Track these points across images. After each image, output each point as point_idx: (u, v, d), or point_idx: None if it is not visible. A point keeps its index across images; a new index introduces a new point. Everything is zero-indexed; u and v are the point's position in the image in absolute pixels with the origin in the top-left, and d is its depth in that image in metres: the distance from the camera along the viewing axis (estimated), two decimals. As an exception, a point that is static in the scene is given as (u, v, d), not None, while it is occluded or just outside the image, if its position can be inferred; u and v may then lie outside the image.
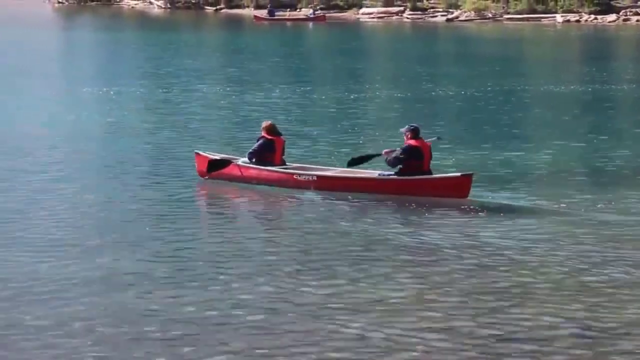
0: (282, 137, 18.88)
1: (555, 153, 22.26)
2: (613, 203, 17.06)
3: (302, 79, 39.09)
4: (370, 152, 18.93)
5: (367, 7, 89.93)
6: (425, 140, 17.79)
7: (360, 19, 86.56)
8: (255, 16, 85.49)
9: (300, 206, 17.23)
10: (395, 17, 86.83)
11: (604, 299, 12.05)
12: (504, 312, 11.54)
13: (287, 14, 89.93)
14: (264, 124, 18.89)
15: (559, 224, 15.69)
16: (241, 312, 11.45)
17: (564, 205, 16.90)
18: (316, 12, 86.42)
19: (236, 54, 53.42)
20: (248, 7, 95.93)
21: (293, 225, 15.90)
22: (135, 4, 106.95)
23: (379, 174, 17.99)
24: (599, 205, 16.84)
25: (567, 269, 13.28)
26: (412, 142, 17.56)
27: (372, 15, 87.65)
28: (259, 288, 12.36)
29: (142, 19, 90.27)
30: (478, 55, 53.32)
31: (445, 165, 19.85)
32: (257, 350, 10.35)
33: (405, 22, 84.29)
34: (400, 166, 17.58)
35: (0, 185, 18.42)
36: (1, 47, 54.05)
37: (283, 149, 18.86)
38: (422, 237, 15.02)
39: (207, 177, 18.75)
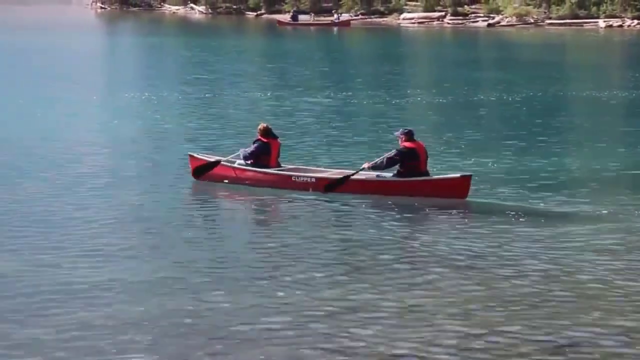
0: (277, 139, 19.07)
1: (591, 158, 22.11)
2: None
3: (339, 84, 39.06)
4: (346, 172, 18.52)
5: (408, 12, 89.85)
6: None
7: (401, 24, 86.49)
8: (278, 21, 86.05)
9: (301, 208, 17.22)
10: (436, 23, 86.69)
11: (613, 303, 12.06)
12: (508, 316, 11.53)
13: (311, 18, 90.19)
14: (260, 126, 19.05)
15: (570, 228, 15.67)
16: (277, 319, 11.49)
17: (594, 210, 16.81)
18: (341, 17, 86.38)
19: (276, 58, 53.52)
20: (288, 12, 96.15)
21: (300, 229, 15.75)
22: (177, 9, 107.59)
23: (377, 176, 18.10)
24: (636, 213, 16.72)
25: (569, 272, 13.30)
26: (407, 143, 17.79)
27: (412, 21, 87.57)
28: (286, 294, 12.40)
29: (183, 24, 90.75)
30: (519, 60, 53.11)
31: (478, 170, 19.88)
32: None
33: (446, 27, 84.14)
34: (399, 168, 17.79)
35: (39, 189, 18.51)
36: (45, 52, 54.51)
37: (278, 151, 19.03)
38: (423, 239, 15.16)
39: (200, 180, 18.96)
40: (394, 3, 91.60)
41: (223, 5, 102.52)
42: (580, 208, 17.07)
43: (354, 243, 14.85)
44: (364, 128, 27.47)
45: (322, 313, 11.61)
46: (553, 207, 17.21)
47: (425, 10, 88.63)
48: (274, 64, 49.94)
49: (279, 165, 18.92)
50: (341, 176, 18.16)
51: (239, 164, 18.86)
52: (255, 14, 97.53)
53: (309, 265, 13.60)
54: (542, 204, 17.33)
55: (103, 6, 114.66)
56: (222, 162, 18.97)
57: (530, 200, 17.64)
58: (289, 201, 17.65)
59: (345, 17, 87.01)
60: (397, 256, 14.06)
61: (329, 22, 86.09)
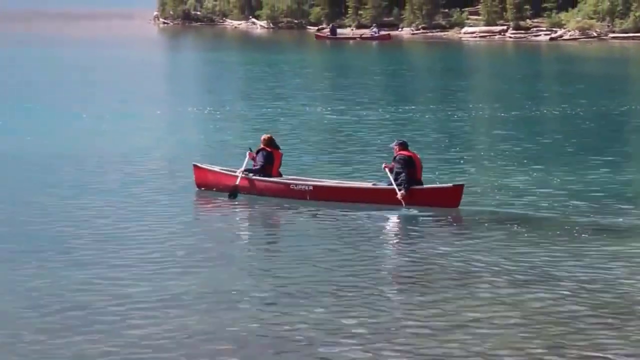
0: (280, 150, 19.67)
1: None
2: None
3: (399, 98, 39.09)
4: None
5: (469, 26, 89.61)
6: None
7: (462, 39, 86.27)
8: (316, 35, 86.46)
9: (306, 217, 17.69)
10: (497, 37, 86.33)
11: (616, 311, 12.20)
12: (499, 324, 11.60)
13: (351, 32, 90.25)
14: (264, 136, 19.67)
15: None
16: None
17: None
18: (380, 31, 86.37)
19: (335, 72, 53.63)
20: (350, 26, 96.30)
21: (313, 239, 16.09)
22: (239, 24, 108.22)
23: (373, 184, 18.71)
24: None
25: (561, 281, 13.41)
26: (403, 152, 18.39)
27: (474, 35, 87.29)
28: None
29: (244, 39, 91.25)
30: (582, 74, 52.70)
31: (538, 184, 19.78)
32: None
33: (508, 41, 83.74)
34: (394, 177, 18.20)
35: (100, 203, 18.70)
36: (109, 67, 55.16)
37: (280, 161, 19.60)
38: (416, 248, 15.54)
39: (203, 189, 19.49)
40: (455, 17, 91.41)
41: (284, 20, 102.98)
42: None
43: (358, 254, 15.10)
44: (427, 141, 27.44)
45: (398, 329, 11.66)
46: (621, 222, 17.08)
47: (487, 25, 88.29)
48: (334, 78, 50.06)
49: (280, 175, 19.50)
50: (337, 185, 18.82)
51: (244, 174, 19.25)
52: (316, 28, 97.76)
53: (368, 280, 13.65)
54: (603, 220, 17.20)
55: (165, 21, 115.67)
56: (227, 173, 19.44)
57: (589, 216, 17.52)
58: (293, 210, 18.11)
59: (384, 31, 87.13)
60: (395, 268, 14.31)
61: (368, 35, 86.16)
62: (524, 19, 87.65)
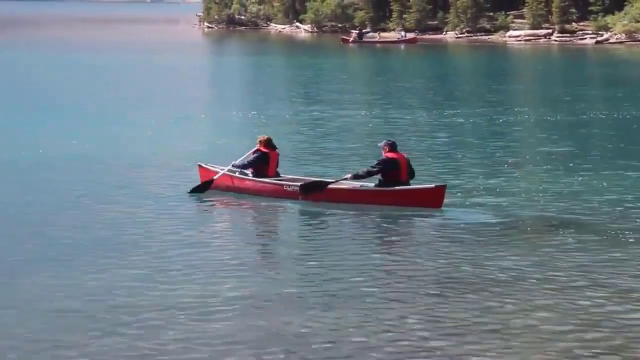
0: (276, 150, 19.91)
1: None
2: None
3: (441, 102, 39.01)
4: (325, 179, 19.39)
5: (514, 30, 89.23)
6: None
7: (507, 42, 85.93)
8: (342, 38, 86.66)
9: (307, 219, 17.97)
10: (542, 40, 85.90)
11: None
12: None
13: (378, 36, 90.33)
14: (261, 137, 20.03)
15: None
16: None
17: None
18: (408, 34, 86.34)
19: (381, 77, 53.64)
20: (393, 30, 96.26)
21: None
22: (283, 28, 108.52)
23: (361, 185, 18.83)
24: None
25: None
26: (389, 154, 18.57)
27: (519, 38, 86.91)
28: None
29: (288, 43, 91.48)
30: (628, 78, 52.31)
31: (582, 187, 19.68)
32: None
33: (553, 44, 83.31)
34: (380, 177, 18.46)
35: (144, 207, 18.85)
36: (153, 71, 55.53)
37: (277, 161, 19.89)
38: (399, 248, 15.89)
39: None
40: (500, 21, 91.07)
41: (328, 24, 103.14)
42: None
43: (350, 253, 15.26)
44: (470, 145, 27.37)
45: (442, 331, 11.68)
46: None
47: (532, 28, 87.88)
48: (377, 82, 50.08)
49: (277, 175, 19.77)
50: (318, 181, 18.95)
51: (239, 174, 19.70)
52: (356, 32, 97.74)
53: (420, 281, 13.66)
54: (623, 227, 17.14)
55: (210, 25, 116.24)
56: (225, 173, 19.71)
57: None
58: (284, 210, 18.43)
59: (410, 34, 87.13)
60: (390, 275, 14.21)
61: (395, 39, 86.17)
62: (569, 22, 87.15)
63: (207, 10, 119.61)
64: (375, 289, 13.38)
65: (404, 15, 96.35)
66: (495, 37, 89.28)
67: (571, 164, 23.55)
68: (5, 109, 34.95)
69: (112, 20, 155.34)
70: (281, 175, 19.88)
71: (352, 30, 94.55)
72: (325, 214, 18.05)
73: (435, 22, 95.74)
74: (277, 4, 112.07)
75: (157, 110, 35.15)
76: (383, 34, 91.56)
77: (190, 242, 16.07)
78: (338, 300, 12.89)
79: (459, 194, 19.57)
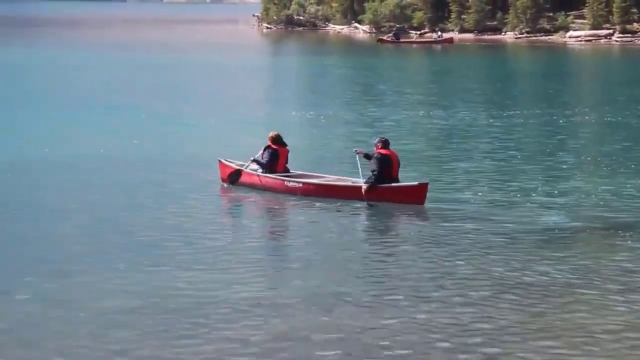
0: (286, 147, 20.63)
1: None
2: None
3: (499, 102, 38.84)
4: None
5: (574, 30, 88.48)
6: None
7: (567, 43, 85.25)
8: (379, 39, 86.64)
9: (302, 213, 18.61)
10: (603, 41, 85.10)
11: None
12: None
13: (414, 37, 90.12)
14: (271, 134, 20.69)
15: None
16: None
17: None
18: (443, 35, 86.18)
19: (436, 78, 53.52)
20: (453, 30, 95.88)
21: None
22: (341, 29, 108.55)
23: (352, 182, 19.64)
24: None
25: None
26: (382, 151, 19.29)
27: (579, 39, 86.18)
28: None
29: (346, 43, 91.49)
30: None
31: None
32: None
33: (614, 45, 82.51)
34: (372, 174, 19.13)
35: (192, 207, 19.04)
36: (212, 71, 55.87)
37: (286, 158, 20.60)
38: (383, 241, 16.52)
39: (227, 185, 20.65)
40: (560, 21, 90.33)
41: (386, 24, 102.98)
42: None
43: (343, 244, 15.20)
44: (531, 147, 27.27)
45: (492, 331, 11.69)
46: None
47: (593, 28, 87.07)
48: (432, 82, 49.98)
49: (287, 171, 20.55)
50: (319, 182, 19.78)
51: (250, 169, 20.50)
52: (418, 33, 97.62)
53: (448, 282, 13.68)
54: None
55: (269, 26, 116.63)
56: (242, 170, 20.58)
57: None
58: (287, 205, 19.16)
59: (447, 35, 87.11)
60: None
61: (432, 40, 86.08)
62: (630, 23, 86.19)
63: (266, 10, 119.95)
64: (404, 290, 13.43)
65: (463, 16, 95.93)
66: (555, 38, 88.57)
67: (633, 165, 23.38)
68: (67, 108, 35.39)
69: (172, 21, 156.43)
70: (291, 171, 20.61)
71: (412, 32, 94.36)
72: (323, 210, 18.60)
73: (495, 23, 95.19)
74: (336, 5, 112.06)
75: (216, 110, 35.39)
76: (419, 36, 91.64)
77: (222, 241, 16.30)
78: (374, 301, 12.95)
79: (528, 196, 19.54)
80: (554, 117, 33.70)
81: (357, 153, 19.99)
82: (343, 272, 14.41)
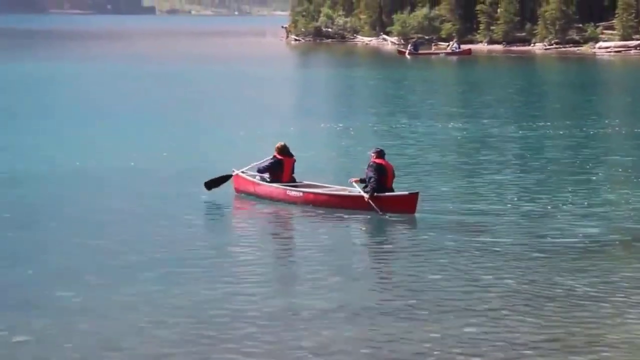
0: (292, 157, 21.02)
1: None
2: None
3: (527, 114, 38.75)
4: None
5: (604, 41, 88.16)
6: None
7: (597, 54, 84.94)
8: (399, 50, 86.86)
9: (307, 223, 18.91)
10: (633, 51, 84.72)
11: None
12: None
13: (433, 48, 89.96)
14: (278, 144, 21.07)
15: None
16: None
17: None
18: (461, 46, 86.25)
19: (467, 89, 53.45)
20: (481, 42, 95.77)
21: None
22: (370, 41, 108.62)
23: (349, 192, 19.95)
24: None
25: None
26: (377, 160, 19.70)
27: (608, 49, 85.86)
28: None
29: (374, 55, 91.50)
30: None
31: None
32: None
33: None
34: (367, 183, 19.49)
35: (224, 221, 19.15)
36: (241, 83, 56.05)
37: (292, 167, 20.97)
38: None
39: (238, 193, 21.16)
40: (589, 32, 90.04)
41: (415, 36, 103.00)
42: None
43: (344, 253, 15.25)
44: (561, 159, 27.20)
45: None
46: None
47: (622, 39, 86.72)
48: (462, 94, 49.92)
49: (293, 181, 20.90)
50: (317, 191, 20.11)
51: (257, 179, 20.96)
52: (447, 44, 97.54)
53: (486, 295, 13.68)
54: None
55: (297, 38, 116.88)
56: (240, 176, 21.17)
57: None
58: (291, 215, 19.42)
59: (465, 46, 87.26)
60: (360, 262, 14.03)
61: (449, 51, 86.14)
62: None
63: (294, 22, 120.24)
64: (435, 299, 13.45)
65: (492, 27, 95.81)
66: (585, 49, 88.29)
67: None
68: (96, 120, 35.61)
69: (201, 33, 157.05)
70: (297, 180, 20.90)
71: (440, 43, 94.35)
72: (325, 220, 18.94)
73: (523, 34, 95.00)
74: (364, 17, 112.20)
75: (244, 122, 35.50)
76: (437, 47, 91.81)
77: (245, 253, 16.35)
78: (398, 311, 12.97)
79: (556, 207, 19.50)
80: (583, 129, 33.57)
81: (354, 182, 20.06)
82: (361, 283, 14.43)
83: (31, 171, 24.33)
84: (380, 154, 19.89)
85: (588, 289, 14.02)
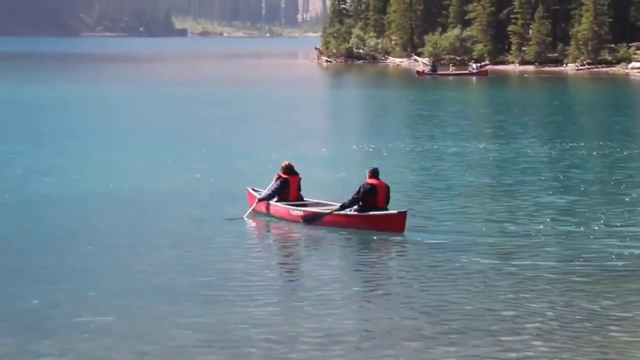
0: (297, 176, 21.44)
1: None
2: None
3: (564, 134, 38.64)
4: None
5: (636, 61, 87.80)
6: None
7: (630, 74, 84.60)
8: (417, 71, 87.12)
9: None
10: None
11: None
12: None
13: (451, 69, 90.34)
14: (283, 163, 21.57)
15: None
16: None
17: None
18: (479, 67, 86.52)
19: (497, 109, 53.35)
20: (513, 62, 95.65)
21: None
22: (401, 62, 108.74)
23: (348, 211, 20.07)
24: None
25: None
26: (370, 180, 19.89)
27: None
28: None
29: (405, 76, 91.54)
30: None
31: None
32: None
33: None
34: (360, 203, 19.76)
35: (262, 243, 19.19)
36: (274, 105, 56.16)
37: (298, 186, 21.41)
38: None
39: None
40: (622, 52, 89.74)
41: (446, 56, 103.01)
42: None
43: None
44: (595, 179, 27.06)
45: None
46: None
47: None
48: (493, 115, 49.83)
49: (300, 199, 21.31)
50: (315, 210, 20.34)
51: (264, 198, 21.26)
52: (477, 65, 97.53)
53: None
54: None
55: (329, 59, 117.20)
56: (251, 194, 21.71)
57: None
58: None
59: (482, 67, 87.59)
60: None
61: (467, 72, 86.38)
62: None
63: (326, 44, 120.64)
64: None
65: (523, 48, 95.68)
66: (617, 69, 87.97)
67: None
68: (130, 142, 35.79)
69: (234, 55, 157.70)
70: (304, 199, 21.33)
71: (470, 62, 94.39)
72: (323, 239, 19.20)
73: (555, 55, 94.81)
74: (395, 38, 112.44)
75: (277, 143, 35.52)
76: (455, 68, 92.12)
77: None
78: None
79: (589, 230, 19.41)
80: (617, 150, 33.38)
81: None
82: (393, 304, 14.40)
83: (66, 193, 24.46)
84: (373, 173, 20.08)
85: (617, 313, 13.92)
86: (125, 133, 39.25)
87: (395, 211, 19.59)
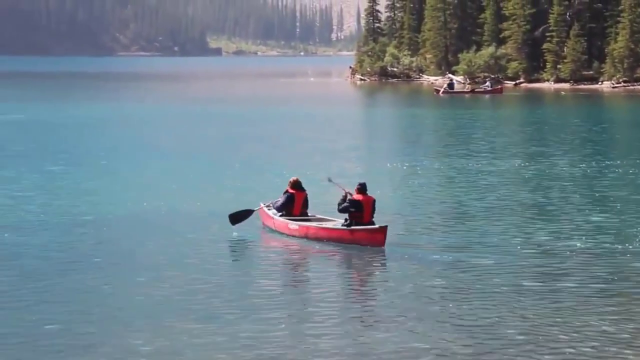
0: (304, 191, 22.01)
1: None
2: None
3: (599, 152, 38.45)
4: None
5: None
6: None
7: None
8: (435, 89, 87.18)
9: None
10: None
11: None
12: None
13: (467, 87, 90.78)
14: (291, 179, 22.19)
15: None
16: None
17: None
18: (493, 85, 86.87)
19: (531, 128, 53.19)
20: (548, 80, 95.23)
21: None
22: (435, 80, 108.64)
23: (333, 225, 20.86)
24: None
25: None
26: (356, 196, 20.48)
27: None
28: None
29: (428, 94, 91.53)
30: None
31: None
32: None
33: None
34: (346, 217, 20.37)
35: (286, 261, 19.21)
36: (308, 124, 56.24)
37: (304, 201, 21.95)
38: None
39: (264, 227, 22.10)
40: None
41: (481, 74, 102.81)
42: None
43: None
44: (633, 197, 26.89)
45: None
46: None
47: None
48: (529, 133, 49.66)
49: (304, 214, 21.87)
50: (307, 225, 20.89)
51: (272, 213, 21.88)
52: (513, 83, 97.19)
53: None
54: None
55: (363, 78, 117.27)
56: (263, 210, 22.25)
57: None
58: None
59: (496, 85, 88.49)
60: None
61: (482, 90, 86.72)
62: None
63: (360, 62, 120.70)
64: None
65: (558, 66, 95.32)
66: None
67: None
68: (164, 161, 35.96)
69: (267, 74, 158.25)
70: (309, 214, 21.86)
71: (506, 81, 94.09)
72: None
73: (591, 72, 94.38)
74: (430, 56, 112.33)
75: (311, 162, 35.58)
76: (471, 85, 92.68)
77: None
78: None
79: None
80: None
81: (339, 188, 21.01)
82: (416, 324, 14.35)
83: (95, 213, 24.54)
84: (360, 189, 20.51)
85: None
86: (159, 151, 39.40)
87: (376, 226, 19.99)
